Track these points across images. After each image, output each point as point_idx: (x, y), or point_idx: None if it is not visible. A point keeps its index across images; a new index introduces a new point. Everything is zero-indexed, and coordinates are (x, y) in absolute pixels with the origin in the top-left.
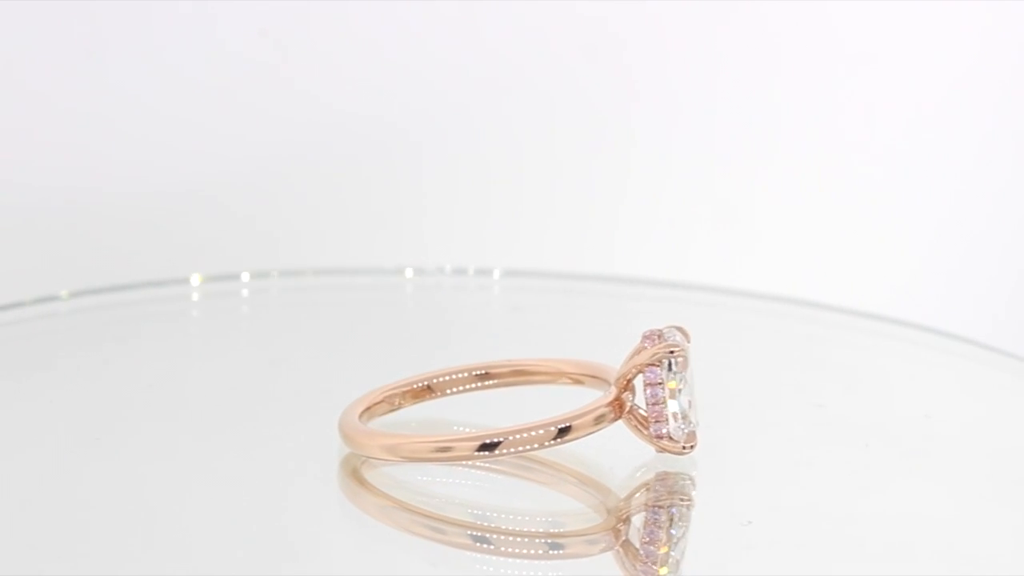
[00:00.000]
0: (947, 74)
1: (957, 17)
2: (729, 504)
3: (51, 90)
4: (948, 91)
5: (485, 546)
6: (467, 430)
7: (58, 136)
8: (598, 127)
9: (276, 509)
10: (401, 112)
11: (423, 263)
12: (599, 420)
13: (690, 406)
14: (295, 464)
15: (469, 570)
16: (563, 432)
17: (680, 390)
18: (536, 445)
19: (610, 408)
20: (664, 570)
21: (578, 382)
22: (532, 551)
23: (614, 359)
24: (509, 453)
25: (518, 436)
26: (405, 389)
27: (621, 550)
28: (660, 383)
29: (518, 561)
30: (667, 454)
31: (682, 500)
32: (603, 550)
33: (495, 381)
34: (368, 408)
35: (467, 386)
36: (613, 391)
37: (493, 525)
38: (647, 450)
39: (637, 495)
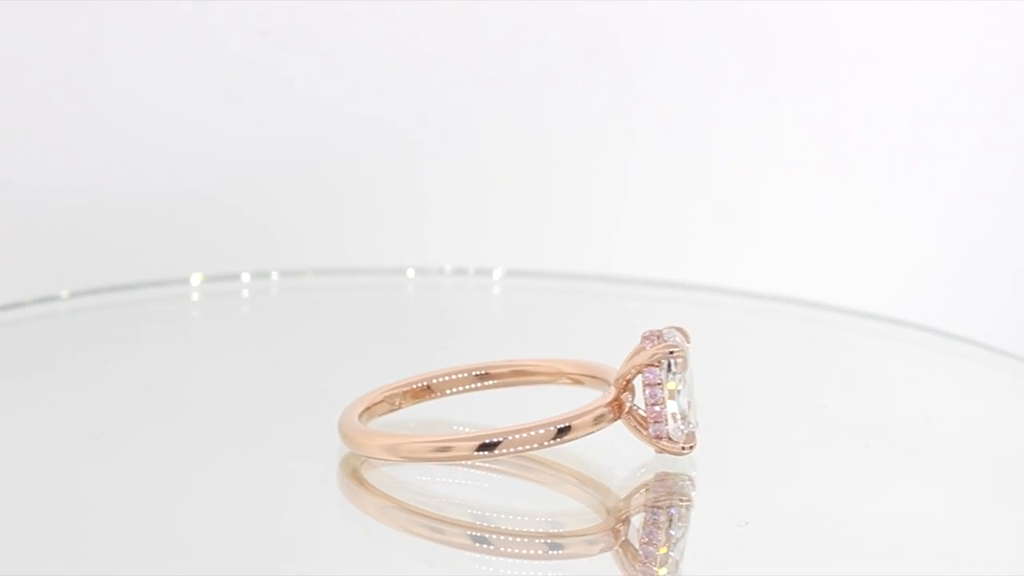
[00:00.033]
0: (947, 74)
1: (957, 17)
2: (728, 505)
3: (51, 90)
4: (948, 91)
5: (484, 546)
6: (467, 430)
7: (58, 136)
8: (598, 127)
9: (276, 509)
10: (401, 112)
11: (423, 263)
12: (598, 420)
13: (689, 407)
14: (295, 464)
15: (469, 570)
16: (562, 432)
17: (679, 391)
18: (535, 445)
19: (609, 408)
20: (663, 571)
21: (578, 382)
22: (531, 551)
23: (614, 359)
24: (508, 453)
25: (517, 436)
26: (405, 389)
27: (620, 550)
28: (659, 383)
29: (517, 561)
30: (666, 455)
31: (681, 501)
32: (602, 550)
33: (495, 381)
34: (368, 408)
35: (467, 386)
36: (612, 391)
37: (492, 525)
38: (647, 450)
39: (636, 495)
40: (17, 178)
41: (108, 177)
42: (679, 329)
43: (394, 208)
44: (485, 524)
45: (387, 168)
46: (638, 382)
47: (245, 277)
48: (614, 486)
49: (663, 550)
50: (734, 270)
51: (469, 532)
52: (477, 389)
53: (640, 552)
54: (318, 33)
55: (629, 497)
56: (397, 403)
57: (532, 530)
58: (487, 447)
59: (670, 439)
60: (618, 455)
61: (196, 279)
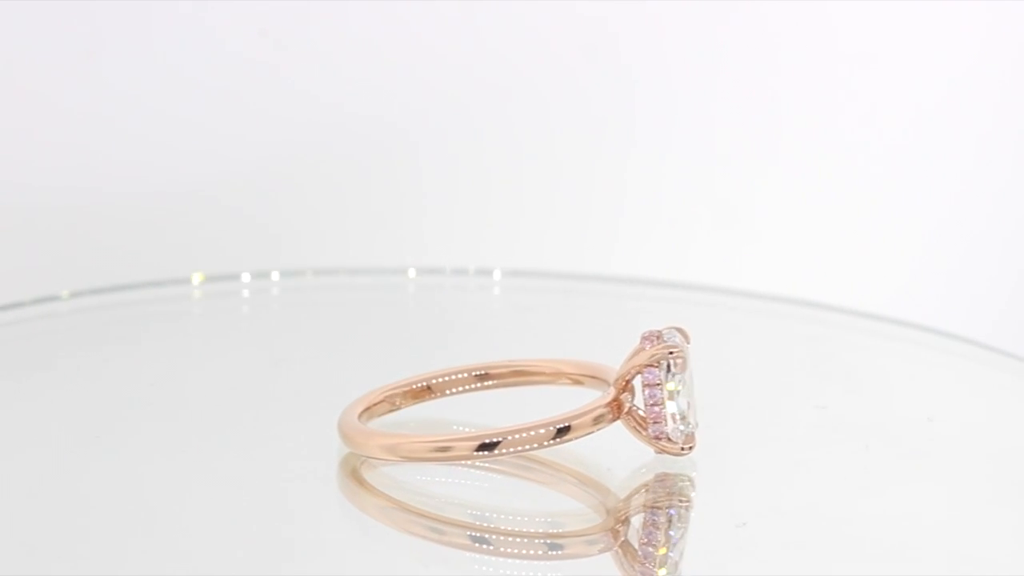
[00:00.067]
0: (947, 74)
1: (957, 17)
2: (728, 506)
3: (51, 90)
4: (948, 91)
5: (484, 547)
6: (466, 430)
7: (58, 136)
8: (598, 127)
9: (276, 509)
10: (401, 112)
11: (423, 263)
12: (598, 420)
13: (689, 407)
14: (295, 464)
15: (468, 570)
16: (562, 432)
17: (679, 391)
18: (535, 445)
19: (608, 408)
20: (662, 571)
21: (578, 383)
22: (531, 552)
23: (614, 359)
24: (508, 453)
25: (517, 436)
26: (405, 389)
27: (620, 551)
28: (658, 384)
29: (517, 562)
30: (666, 455)
31: (681, 501)
32: (602, 551)
33: (494, 382)
34: (368, 408)
35: (466, 386)
36: (612, 392)
37: (492, 526)
38: (647, 451)
39: (636, 496)
40: (17, 178)
41: (108, 177)
42: (679, 329)
43: (394, 208)
44: (485, 524)
45: (387, 168)
46: (637, 382)
47: (245, 277)
48: (614, 486)
49: (662, 551)
50: (734, 270)
51: (469, 532)
52: (477, 389)
53: (639, 553)
54: (318, 33)
55: (629, 497)
56: (397, 403)
57: (532, 530)
58: (487, 447)
59: (669, 439)
60: (618, 455)
61: (196, 279)
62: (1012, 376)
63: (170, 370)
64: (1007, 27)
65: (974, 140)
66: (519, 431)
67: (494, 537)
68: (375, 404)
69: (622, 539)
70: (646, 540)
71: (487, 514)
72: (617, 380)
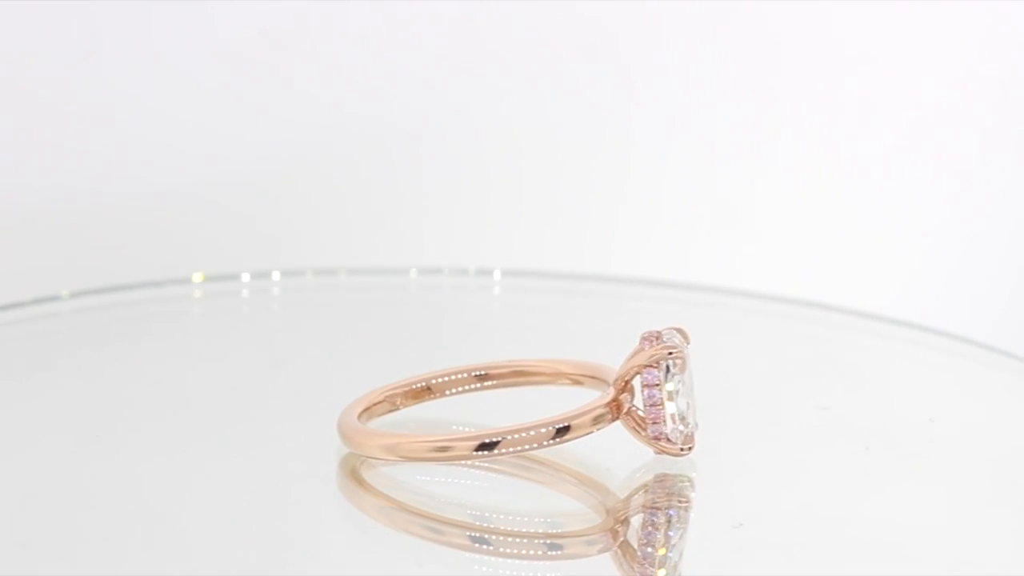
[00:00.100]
0: (947, 74)
1: (957, 17)
2: (727, 506)
3: (51, 90)
4: (948, 91)
5: (483, 547)
6: (466, 430)
7: (58, 136)
8: (598, 127)
9: (276, 509)
10: (401, 112)
11: (423, 263)
12: (597, 420)
13: (688, 408)
14: (295, 464)
15: (468, 571)
16: (561, 432)
17: (678, 392)
18: (534, 445)
19: (608, 409)
20: (662, 572)
21: (577, 383)
22: (531, 552)
23: (614, 359)
24: (508, 453)
25: (516, 436)
26: (404, 389)
27: (619, 551)
28: (658, 384)
29: (517, 562)
30: (666, 455)
31: (680, 502)
32: (601, 551)
33: (494, 382)
34: (367, 408)
35: (466, 387)
36: (611, 392)
37: (491, 526)
38: (647, 451)
39: (636, 496)
40: (17, 178)
41: (108, 177)
42: (679, 330)
43: (394, 208)
44: (484, 524)
45: (387, 168)
46: (637, 383)
47: (245, 277)
48: (614, 487)
49: (661, 551)
50: (734, 270)
51: (468, 533)
52: (477, 389)
53: (639, 553)
54: (318, 33)
55: (628, 498)
56: (397, 403)
57: (531, 530)
58: (486, 447)
59: (668, 440)
60: (618, 456)
61: (196, 279)
62: (1012, 376)
63: (170, 370)
64: (1007, 27)
65: (974, 140)
66: (518, 431)
67: (493, 537)
68: (375, 404)
69: (621, 539)
70: (645, 541)
71: (486, 514)
72: (616, 380)
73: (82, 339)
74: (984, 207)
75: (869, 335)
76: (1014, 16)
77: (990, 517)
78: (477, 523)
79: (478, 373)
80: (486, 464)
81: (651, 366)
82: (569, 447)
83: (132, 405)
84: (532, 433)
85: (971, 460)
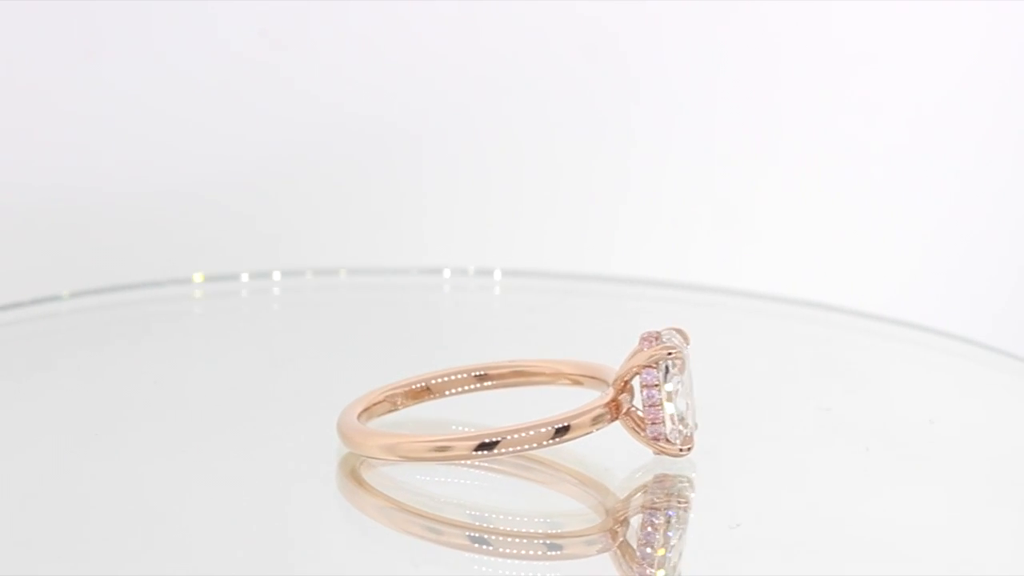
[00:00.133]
0: (947, 74)
1: (957, 17)
2: (727, 507)
3: (51, 90)
4: (948, 91)
5: (483, 547)
6: (465, 429)
7: (58, 136)
8: (598, 127)
9: (275, 509)
10: (401, 112)
11: (423, 263)
12: (596, 420)
13: (688, 408)
14: (295, 464)
15: (467, 571)
16: (560, 432)
17: (677, 392)
18: (534, 445)
19: (607, 409)
20: (661, 573)
21: (577, 383)
22: (530, 552)
23: (614, 359)
24: (507, 453)
25: (516, 436)
26: (404, 390)
27: (619, 552)
28: (657, 385)
29: (516, 562)
30: (665, 456)
31: (679, 503)
32: (600, 551)
33: (494, 382)
34: (367, 408)
35: (466, 387)
36: (611, 392)
37: (491, 526)
38: (647, 451)
39: (635, 497)
40: (17, 178)
41: (108, 177)
42: (678, 331)
43: (394, 208)
44: (484, 525)
45: (387, 168)
46: (636, 383)
47: (245, 277)
48: (613, 487)
49: (661, 552)
50: (734, 270)
51: (468, 533)
52: (476, 390)
53: (638, 554)
54: (318, 33)
55: (628, 498)
56: (396, 403)
57: (531, 531)
58: (486, 447)
59: (668, 441)
60: (618, 456)
61: (197, 279)
62: (1012, 376)
63: (170, 370)
64: (1007, 27)
65: (974, 140)
66: (518, 431)
67: (493, 537)
68: (374, 404)
69: (621, 540)
70: (644, 541)
71: (486, 514)
72: (616, 381)
73: (82, 339)
74: (984, 207)
75: (869, 335)
76: (1014, 16)
77: (990, 517)
78: (476, 523)
79: (478, 373)
80: (486, 464)
81: (650, 366)
82: (569, 447)
83: (132, 405)
84: (531, 433)
85: (971, 460)
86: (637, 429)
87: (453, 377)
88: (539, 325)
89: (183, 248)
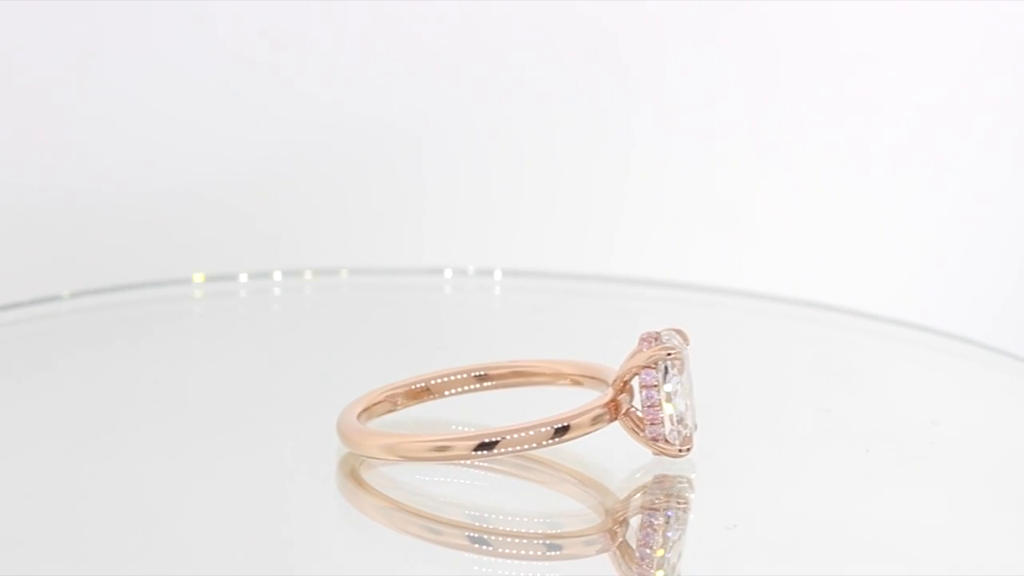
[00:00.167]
0: (947, 74)
1: (957, 17)
2: (726, 507)
3: (51, 90)
4: (948, 91)
5: (482, 547)
6: (465, 429)
7: (58, 136)
8: (598, 127)
9: (275, 509)
10: (401, 112)
11: (423, 263)
12: (596, 420)
13: (687, 409)
14: (294, 464)
15: (466, 571)
16: (560, 432)
17: (676, 393)
18: (533, 445)
19: (606, 409)
20: (660, 573)
21: (577, 383)
22: (529, 552)
23: (614, 360)
24: (507, 452)
25: (515, 436)
26: (403, 390)
27: (618, 552)
28: (656, 385)
29: (515, 562)
30: (664, 456)
31: (679, 503)
32: (599, 552)
33: (494, 382)
34: (366, 409)
35: (466, 387)
36: (610, 392)
37: (490, 526)
38: (647, 451)
39: (635, 497)
40: (17, 178)
41: (108, 177)
42: (678, 331)
43: (394, 208)
44: (483, 525)
45: (387, 168)
46: (636, 384)
47: (245, 277)
48: (614, 487)
49: (659, 553)
50: (734, 270)
51: (467, 533)
52: (476, 390)
53: (637, 554)
54: (318, 33)
55: (628, 498)
56: (396, 404)
57: (530, 531)
58: (485, 447)
59: (667, 441)
60: (618, 456)
61: (197, 279)
62: (1012, 376)
63: (170, 370)
64: (1007, 27)
65: (974, 140)
66: (517, 431)
67: (492, 538)
68: (374, 404)
69: (620, 540)
70: (643, 542)
71: (485, 515)
72: (615, 381)
73: (82, 339)
74: (984, 207)
75: (869, 335)
76: (1014, 16)
77: (990, 518)
78: (476, 523)
79: (478, 374)
80: (485, 464)
81: (649, 367)
82: (569, 447)
83: (132, 405)
84: (531, 433)
85: (971, 461)
86: (636, 430)
87: (453, 377)
88: (539, 325)
89: (183, 248)
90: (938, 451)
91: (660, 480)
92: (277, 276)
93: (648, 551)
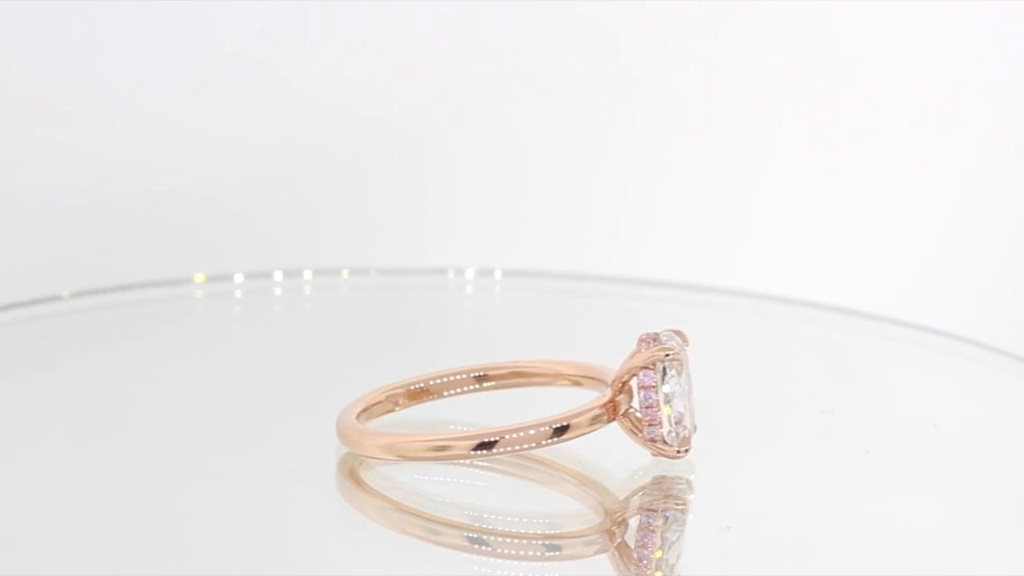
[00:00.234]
0: (948, 74)
1: (957, 17)
2: (725, 508)
3: (51, 90)
4: (949, 91)
5: (481, 547)
6: (464, 429)
7: (58, 136)
8: (598, 127)
9: (274, 509)
10: (401, 112)
11: (423, 263)
12: (594, 420)
13: (686, 410)
14: (294, 464)
15: (465, 571)
16: (559, 431)
17: (675, 394)
18: (532, 444)
19: (604, 409)
20: (658, 574)
21: (577, 384)
22: (528, 552)
23: (613, 360)
24: (505, 452)
25: (514, 435)
26: (403, 390)
27: (616, 553)
28: (654, 386)
29: (514, 563)
30: (663, 457)
31: (677, 504)
32: (597, 552)
33: (493, 383)
34: (366, 409)
35: (465, 388)
36: (609, 392)
37: (489, 526)
38: (646, 452)
39: (634, 498)
40: (17, 178)
41: (108, 177)
42: (677, 332)
43: (394, 208)
44: (482, 525)
45: (387, 168)
46: (634, 384)
47: (244, 277)
48: (613, 487)
49: (658, 554)
50: (734, 270)
51: (466, 533)
52: (475, 391)
53: (635, 555)
54: (318, 33)
55: (627, 499)
56: (395, 404)
57: (529, 531)
58: (484, 446)
59: (665, 442)
60: (617, 456)
61: (197, 279)
62: (1012, 376)
63: (170, 370)
64: (1007, 27)
65: (974, 140)
66: (516, 430)
67: (491, 538)
68: (374, 404)
69: (618, 541)
70: (641, 543)
71: (484, 515)
72: (614, 382)
73: (82, 339)
74: (984, 207)
75: (869, 335)
76: (1014, 16)
77: (990, 519)
78: (475, 524)
79: (477, 374)
80: (484, 464)
81: (647, 368)
82: (568, 447)
83: (132, 405)
84: (530, 432)
85: (971, 461)
86: (635, 430)
87: (452, 378)
88: (539, 325)
89: (183, 248)
90: (938, 451)
91: (659, 481)
92: (277, 276)
93: (646, 552)
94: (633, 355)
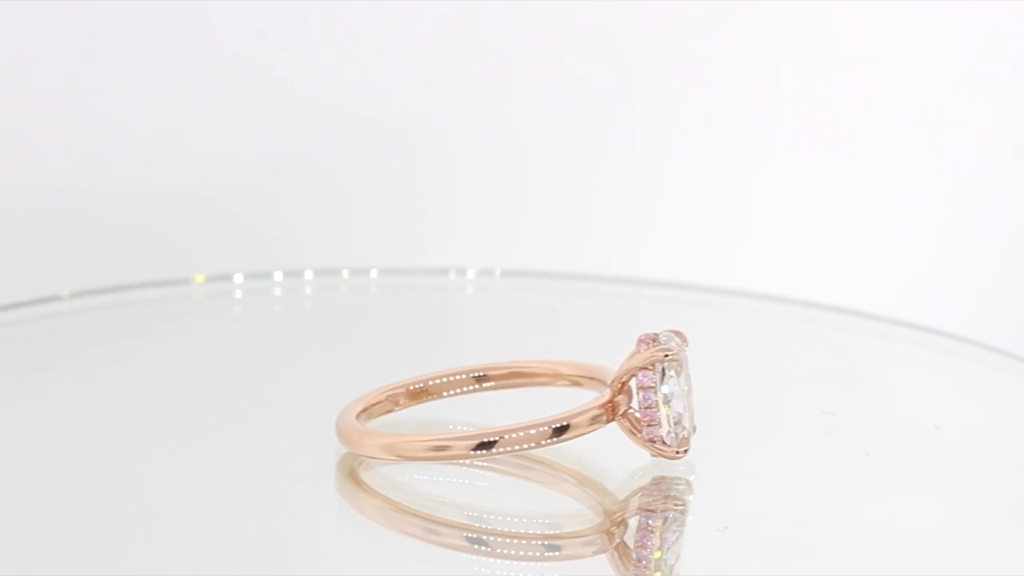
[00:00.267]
0: (947, 74)
1: (957, 17)
2: (725, 509)
3: (51, 90)
4: (949, 91)
5: (481, 547)
6: (464, 429)
7: (58, 136)
8: (598, 127)
9: (274, 509)
10: (401, 112)
11: (424, 263)
12: (594, 420)
13: (685, 410)
14: (294, 464)
15: (465, 571)
16: (559, 431)
17: (674, 395)
18: (532, 444)
19: (603, 410)
20: (657, 575)
21: (576, 384)
22: (528, 552)
23: (613, 360)
24: (505, 452)
25: (514, 435)
26: (403, 390)
27: (615, 553)
28: (653, 387)
29: (514, 563)
30: (662, 458)
31: (676, 505)
32: (596, 552)
33: (493, 383)
34: (366, 409)
35: (464, 388)
36: (608, 393)
37: (489, 527)
38: (646, 452)
39: (633, 498)
40: (17, 178)
41: (108, 177)
42: (677, 333)
43: (394, 208)
44: (481, 525)
45: (387, 168)
46: (634, 385)
47: (244, 277)
48: (613, 487)
49: (657, 554)
50: (734, 270)
51: (465, 533)
52: (475, 391)
53: (634, 555)
54: (318, 33)
55: (626, 499)
56: (395, 404)
57: (529, 531)
58: (484, 446)
59: (664, 443)
60: (617, 457)
61: (197, 279)
62: (1012, 376)
63: (170, 370)
64: (1007, 27)
65: (974, 140)
66: (516, 430)
67: (490, 538)
68: (373, 404)
69: (618, 541)
70: (641, 543)
71: (484, 515)
72: (613, 382)
73: (82, 339)
74: (984, 207)
75: (869, 335)
76: (1014, 16)
77: (990, 519)
78: (474, 524)
79: (476, 374)
80: (484, 464)
81: (646, 368)
82: (568, 447)
83: (132, 405)
84: (529, 432)
85: (971, 461)
86: (634, 431)
87: (452, 378)
88: (538, 325)
89: (183, 248)
90: (938, 452)
91: (658, 481)
92: (277, 276)
93: (645, 552)
94: (632, 355)
